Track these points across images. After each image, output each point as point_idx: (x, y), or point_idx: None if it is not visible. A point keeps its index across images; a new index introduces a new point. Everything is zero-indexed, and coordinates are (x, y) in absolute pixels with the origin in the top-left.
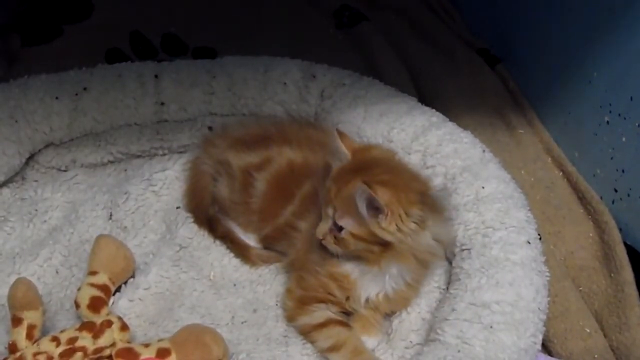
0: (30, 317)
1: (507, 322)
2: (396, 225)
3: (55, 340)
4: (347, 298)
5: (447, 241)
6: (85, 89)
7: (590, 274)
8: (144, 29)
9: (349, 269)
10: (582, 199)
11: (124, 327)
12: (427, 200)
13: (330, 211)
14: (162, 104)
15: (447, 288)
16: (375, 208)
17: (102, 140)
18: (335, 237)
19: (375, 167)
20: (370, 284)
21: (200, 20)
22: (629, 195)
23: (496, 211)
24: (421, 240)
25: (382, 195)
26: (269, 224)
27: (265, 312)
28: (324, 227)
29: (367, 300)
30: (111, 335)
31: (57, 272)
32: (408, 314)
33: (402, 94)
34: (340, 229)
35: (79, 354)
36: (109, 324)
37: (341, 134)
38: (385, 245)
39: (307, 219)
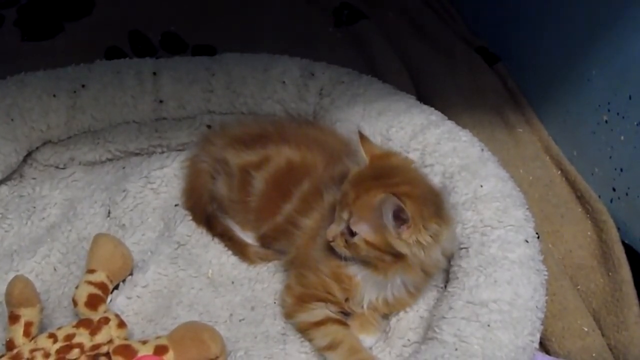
0: (28, 314)
1: (505, 321)
2: (415, 238)
3: (53, 337)
4: (347, 299)
5: (452, 253)
6: (83, 86)
7: (588, 273)
8: (144, 28)
9: (354, 270)
10: (580, 197)
11: (122, 324)
12: (441, 214)
13: (345, 215)
14: (161, 101)
15: (445, 286)
16: (398, 219)
17: (101, 138)
18: (346, 241)
19: (395, 176)
20: (372, 289)
21: (199, 18)
22: (627, 194)
23: (494, 210)
24: (432, 254)
25: (410, 207)
26: (267, 223)
27: (264, 309)
28: (335, 229)
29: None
30: (108, 332)
31: (55, 269)
32: (406, 312)
33: (400, 92)
34: (353, 234)
35: (76, 351)
36: (106, 320)
37: (362, 138)
38: (397, 256)
39: (309, 216)
